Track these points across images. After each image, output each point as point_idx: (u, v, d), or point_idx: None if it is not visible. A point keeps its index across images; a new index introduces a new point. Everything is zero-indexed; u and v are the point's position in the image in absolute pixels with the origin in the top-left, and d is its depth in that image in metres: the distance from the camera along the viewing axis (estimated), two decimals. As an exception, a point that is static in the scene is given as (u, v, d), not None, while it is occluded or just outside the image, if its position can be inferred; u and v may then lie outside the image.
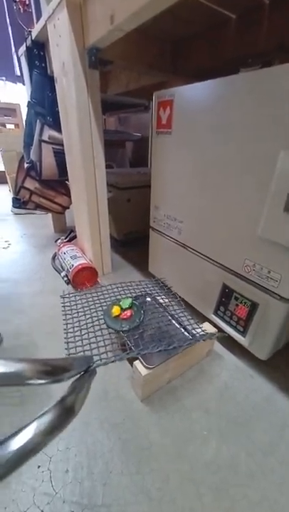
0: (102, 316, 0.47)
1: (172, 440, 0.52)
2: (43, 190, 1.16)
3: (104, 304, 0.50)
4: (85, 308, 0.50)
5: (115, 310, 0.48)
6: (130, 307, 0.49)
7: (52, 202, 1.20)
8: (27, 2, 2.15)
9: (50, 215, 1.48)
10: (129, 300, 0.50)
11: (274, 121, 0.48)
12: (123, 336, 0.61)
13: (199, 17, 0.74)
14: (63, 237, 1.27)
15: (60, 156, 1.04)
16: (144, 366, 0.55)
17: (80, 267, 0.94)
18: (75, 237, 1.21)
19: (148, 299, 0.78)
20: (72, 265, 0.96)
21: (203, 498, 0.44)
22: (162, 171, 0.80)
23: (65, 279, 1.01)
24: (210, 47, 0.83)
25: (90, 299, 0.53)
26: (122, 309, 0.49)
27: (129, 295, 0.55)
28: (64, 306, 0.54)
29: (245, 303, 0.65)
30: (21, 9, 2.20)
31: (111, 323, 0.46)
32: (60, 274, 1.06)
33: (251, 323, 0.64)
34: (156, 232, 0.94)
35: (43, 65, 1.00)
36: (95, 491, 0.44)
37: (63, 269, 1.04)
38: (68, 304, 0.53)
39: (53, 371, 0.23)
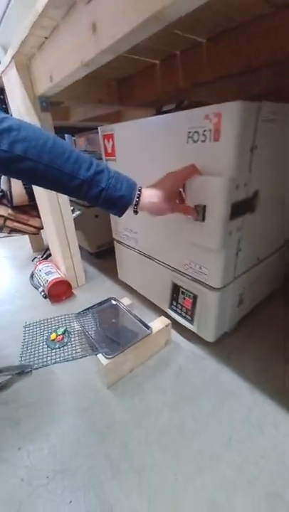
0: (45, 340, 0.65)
1: (132, 416, 0.62)
2: (16, 215, 1.26)
3: (52, 329, 0.67)
4: (37, 334, 0.67)
5: (53, 336, 0.70)
6: (63, 333, 0.70)
7: (26, 225, 1.30)
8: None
9: (27, 235, 1.58)
10: (62, 329, 0.72)
11: (174, 151, 0.62)
12: (90, 336, 0.73)
13: (129, 65, 0.89)
14: (39, 256, 1.37)
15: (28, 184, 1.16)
16: (105, 357, 0.66)
17: (53, 281, 1.05)
18: (50, 254, 1.32)
19: (113, 302, 0.90)
20: (47, 280, 1.06)
21: (155, 454, 0.54)
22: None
23: (42, 294, 1.11)
24: (146, 84, 0.98)
25: (43, 327, 0.70)
26: (58, 335, 0.66)
27: (68, 323, 0.75)
28: (24, 333, 0.68)
29: (189, 295, 0.77)
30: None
31: (49, 344, 0.63)
32: (38, 290, 1.16)
33: (195, 311, 0.76)
34: (119, 243, 1.06)
35: (4, 106, 1.13)
36: (66, 460, 0.54)
37: (40, 285, 1.14)
38: (27, 331, 0.69)
39: None
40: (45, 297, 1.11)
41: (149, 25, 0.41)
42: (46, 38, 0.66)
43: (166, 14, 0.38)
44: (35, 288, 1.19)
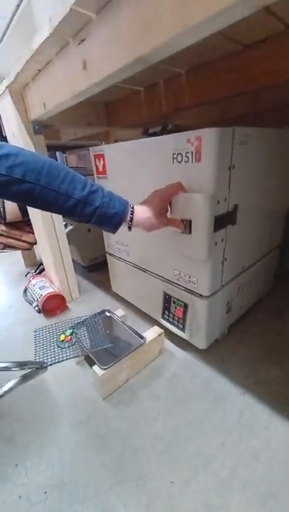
0: (55, 341, 0.74)
1: (127, 425, 0.64)
2: (9, 231, 1.28)
3: (60, 332, 0.78)
4: (47, 336, 0.77)
5: (62, 336, 0.76)
6: (71, 334, 0.77)
7: (19, 240, 1.32)
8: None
9: (19, 251, 1.59)
10: (70, 330, 0.78)
11: (162, 170, 0.67)
12: (85, 348, 0.75)
13: (115, 91, 0.96)
14: (33, 271, 1.38)
15: (21, 201, 1.19)
16: (100, 368, 0.68)
17: (47, 295, 1.06)
18: (43, 269, 1.33)
19: (107, 313, 0.92)
20: (41, 295, 1.08)
21: (151, 461, 0.56)
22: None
23: (36, 308, 1.12)
24: (131, 108, 1.05)
25: (51, 330, 0.77)
26: (66, 336, 0.76)
27: (74, 324, 0.82)
28: (35, 337, 0.73)
29: (180, 304, 0.81)
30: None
31: (59, 344, 0.73)
32: (31, 305, 1.17)
33: (186, 320, 0.79)
34: (112, 256, 1.09)
35: (-2, 128, 1.18)
36: (63, 473, 0.54)
37: (34, 300, 1.15)
38: (38, 335, 0.76)
39: (17, 366, 0.53)
40: (39, 312, 1.11)
41: (133, 65, 0.47)
42: (40, 70, 0.71)
43: (148, 58, 0.44)
44: (29, 303, 1.20)
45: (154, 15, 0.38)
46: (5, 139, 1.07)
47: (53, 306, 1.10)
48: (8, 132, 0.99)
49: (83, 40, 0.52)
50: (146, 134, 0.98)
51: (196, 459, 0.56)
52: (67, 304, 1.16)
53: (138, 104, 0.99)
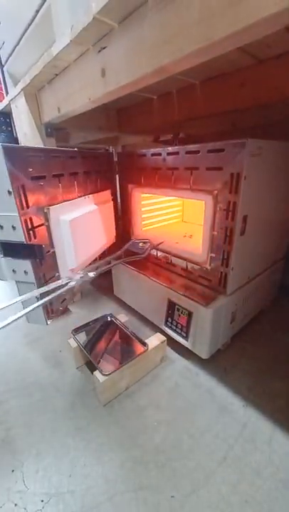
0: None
1: (128, 434, 0.62)
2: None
3: None
4: None
5: None
6: None
7: (23, 240, 1.32)
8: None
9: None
10: None
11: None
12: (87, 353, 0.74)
13: (128, 97, 0.97)
14: (35, 271, 1.37)
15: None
16: (102, 374, 0.67)
17: (49, 297, 1.05)
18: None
19: (109, 318, 0.91)
20: (43, 296, 1.07)
21: (151, 473, 0.54)
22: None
23: (37, 309, 1.11)
24: (144, 115, 1.07)
25: None
26: None
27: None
28: None
29: (184, 312, 0.80)
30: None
31: None
32: (32, 305, 1.16)
33: (190, 328, 0.79)
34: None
35: (9, 129, 1.19)
36: (61, 483, 0.53)
37: (35, 301, 1.14)
38: None
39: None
40: (39, 313, 1.10)
41: (153, 75, 0.47)
42: (56, 74, 0.73)
43: (167, 69, 0.45)
44: (30, 304, 1.19)
45: (178, 28, 0.39)
46: (16, 140, 1.09)
47: (54, 308, 1.09)
48: (19, 133, 0.99)
49: (104, 48, 0.53)
50: (158, 141, 0.99)
51: (197, 472, 0.54)
52: (68, 307, 1.15)
53: (150, 111, 1.00)
